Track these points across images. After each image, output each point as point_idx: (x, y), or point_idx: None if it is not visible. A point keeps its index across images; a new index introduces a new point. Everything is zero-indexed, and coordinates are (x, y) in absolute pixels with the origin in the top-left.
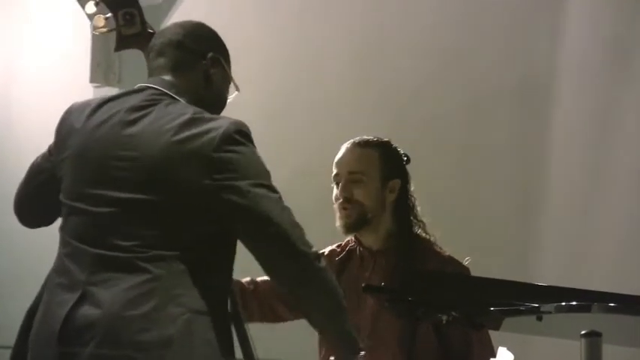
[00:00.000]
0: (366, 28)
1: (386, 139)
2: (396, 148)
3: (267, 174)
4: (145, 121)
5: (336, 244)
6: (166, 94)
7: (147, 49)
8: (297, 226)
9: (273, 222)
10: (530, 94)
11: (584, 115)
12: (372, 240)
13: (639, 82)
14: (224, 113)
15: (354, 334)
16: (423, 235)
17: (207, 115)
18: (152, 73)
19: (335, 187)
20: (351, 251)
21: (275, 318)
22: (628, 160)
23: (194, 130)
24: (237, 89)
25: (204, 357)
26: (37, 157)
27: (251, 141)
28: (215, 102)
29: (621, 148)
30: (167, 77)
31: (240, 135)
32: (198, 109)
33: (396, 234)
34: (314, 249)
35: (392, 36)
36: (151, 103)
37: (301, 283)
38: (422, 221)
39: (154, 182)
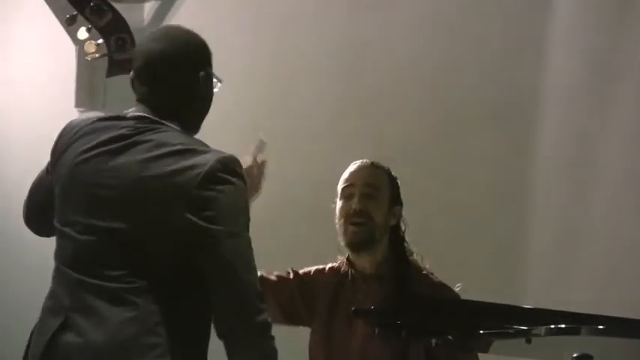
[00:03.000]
0: (345, 49)
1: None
2: (396, 177)
3: (245, 219)
4: (132, 151)
5: (329, 265)
6: (155, 120)
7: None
8: (256, 290)
9: (235, 282)
10: (511, 116)
11: (565, 137)
12: (367, 263)
13: (620, 105)
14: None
15: None
16: (415, 261)
17: (197, 146)
18: (142, 98)
19: (343, 201)
20: (344, 275)
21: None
22: (609, 181)
23: (179, 165)
24: (220, 80)
25: None
26: (39, 175)
27: (238, 175)
28: (204, 110)
29: (603, 168)
30: (159, 100)
31: (226, 172)
32: (188, 139)
33: (389, 259)
34: (264, 317)
35: (372, 56)
36: (138, 131)
37: (246, 349)
38: (411, 250)
39: (136, 213)
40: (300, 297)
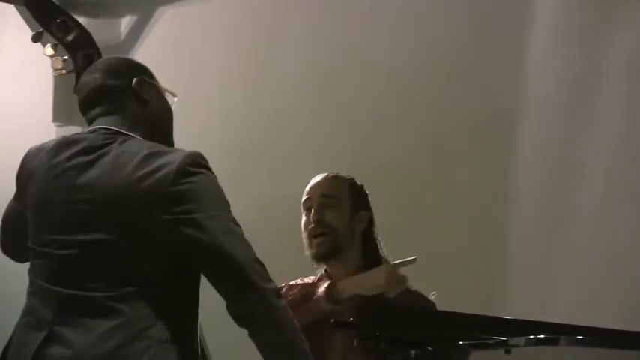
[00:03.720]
0: (326, 64)
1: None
2: (362, 186)
3: (224, 204)
4: (102, 162)
5: (310, 278)
6: (118, 132)
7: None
8: (256, 261)
9: (233, 258)
10: (493, 130)
11: (547, 151)
12: (342, 273)
13: (601, 118)
14: (185, 139)
15: None
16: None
17: (162, 149)
18: (92, 122)
19: (305, 214)
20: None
21: None
22: (591, 196)
23: (149, 167)
24: (174, 94)
25: None
26: (9, 203)
27: (207, 168)
28: (162, 118)
29: (584, 183)
30: (112, 116)
31: (195, 166)
32: (152, 144)
33: (363, 268)
34: (273, 284)
35: (355, 70)
36: (106, 143)
37: (258, 319)
38: (386, 259)
39: (114, 222)
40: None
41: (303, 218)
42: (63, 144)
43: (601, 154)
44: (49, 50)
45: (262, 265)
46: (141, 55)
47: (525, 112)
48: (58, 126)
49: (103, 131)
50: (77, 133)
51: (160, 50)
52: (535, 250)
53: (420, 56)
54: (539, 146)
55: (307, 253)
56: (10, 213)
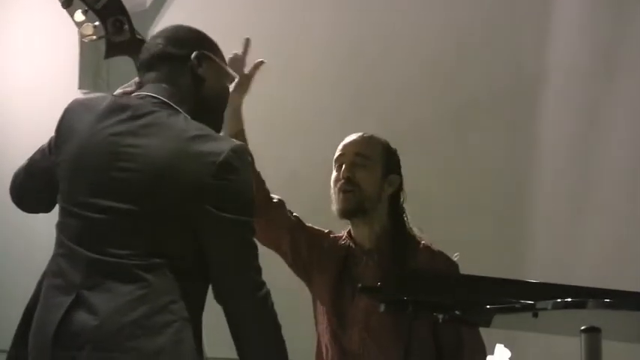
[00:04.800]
0: (350, 33)
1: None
2: (395, 150)
3: (252, 207)
4: (146, 133)
5: (336, 234)
6: (166, 103)
7: (136, 56)
8: (259, 267)
9: (243, 264)
10: (518, 98)
11: (572, 118)
12: (366, 236)
13: (627, 85)
14: None
15: None
16: (414, 234)
17: (210, 133)
18: (145, 82)
19: (336, 169)
20: (348, 248)
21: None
22: (616, 161)
23: (195, 151)
24: (235, 75)
25: None
26: (36, 153)
27: (248, 163)
28: (214, 99)
29: (610, 149)
30: (163, 85)
31: (239, 161)
32: (200, 126)
33: (389, 231)
34: (266, 288)
35: (378, 40)
36: (151, 112)
37: (248, 320)
38: (410, 225)
39: (151, 195)
40: (306, 246)
41: (334, 173)
42: (113, 109)
43: (625, 119)
44: (79, 16)
45: (260, 271)
46: (165, 23)
47: (550, 78)
48: (84, 93)
49: (150, 99)
50: (124, 97)
51: (184, 19)
52: (559, 215)
53: (445, 27)
54: (563, 112)
55: (333, 208)
56: (34, 167)
